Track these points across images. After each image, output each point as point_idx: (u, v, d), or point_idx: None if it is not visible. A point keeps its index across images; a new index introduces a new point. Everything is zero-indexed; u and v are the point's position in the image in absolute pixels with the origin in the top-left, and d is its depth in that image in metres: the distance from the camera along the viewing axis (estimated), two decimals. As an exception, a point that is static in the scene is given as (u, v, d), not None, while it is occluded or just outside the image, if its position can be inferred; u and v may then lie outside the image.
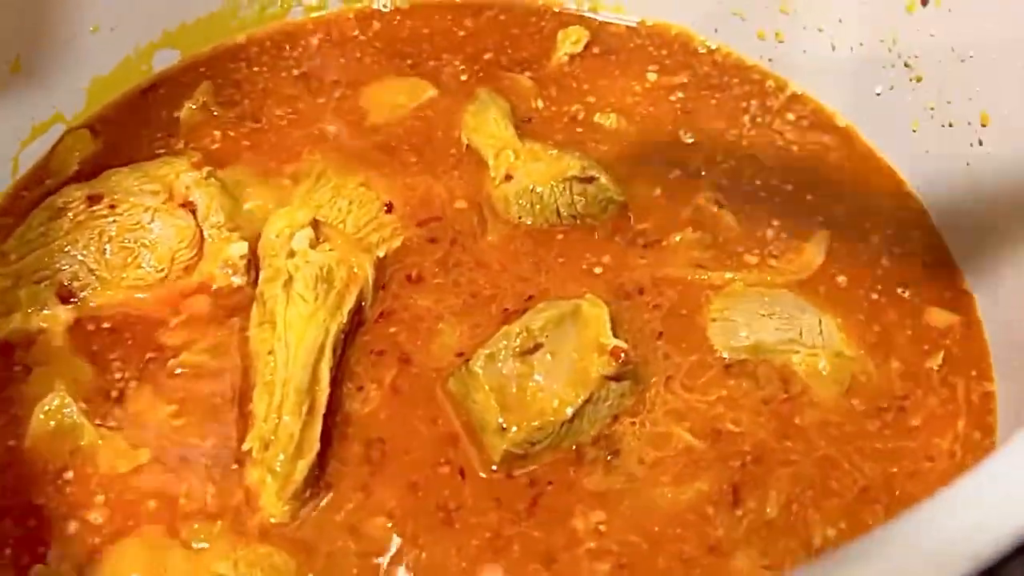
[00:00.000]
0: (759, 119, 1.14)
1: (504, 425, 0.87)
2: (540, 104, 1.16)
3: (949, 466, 0.89)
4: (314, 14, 1.26)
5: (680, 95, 1.17)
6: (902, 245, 1.03)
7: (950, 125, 1.01)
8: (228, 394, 0.91)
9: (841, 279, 1.00)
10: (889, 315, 0.98)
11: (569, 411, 0.87)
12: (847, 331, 0.96)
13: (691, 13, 1.21)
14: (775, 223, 1.04)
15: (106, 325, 0.95)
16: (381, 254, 1.00)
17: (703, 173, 1.08)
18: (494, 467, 0.87)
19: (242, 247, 0.99)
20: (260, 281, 0.95)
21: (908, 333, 0.97)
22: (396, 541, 0.84)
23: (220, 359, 0.93)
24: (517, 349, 0.90)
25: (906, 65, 1.04)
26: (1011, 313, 0.94)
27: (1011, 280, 0.95)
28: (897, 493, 0.87)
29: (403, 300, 0.98)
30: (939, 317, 0.98)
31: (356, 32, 1.25)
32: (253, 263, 0.98)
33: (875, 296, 0.99)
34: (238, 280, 0.98)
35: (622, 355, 0.89)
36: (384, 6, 1.27)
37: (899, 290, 0.99)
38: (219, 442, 0.88)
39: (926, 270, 1.01)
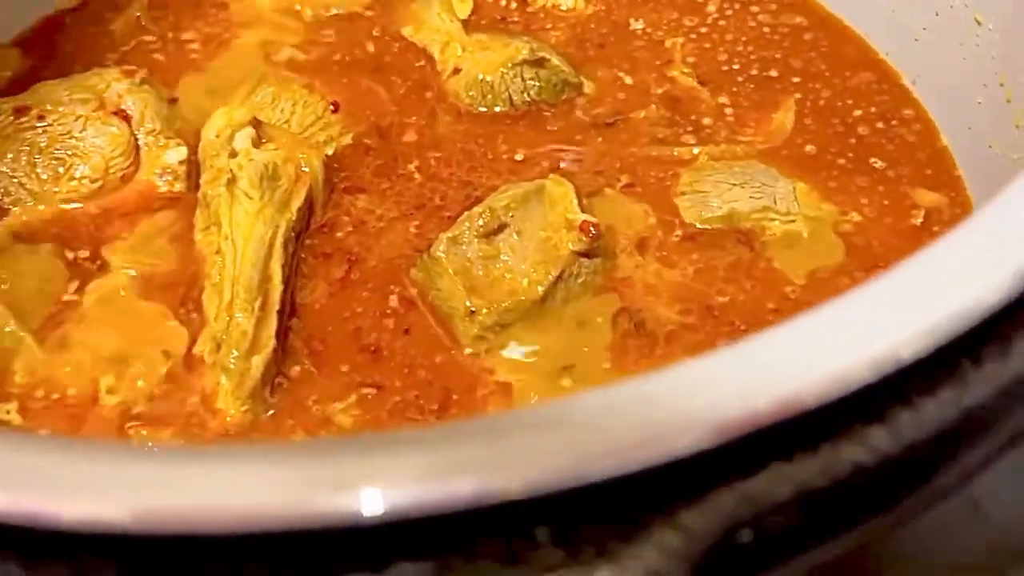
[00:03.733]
0: (725, 5, 1.08)
1: (473, 309, 0.82)
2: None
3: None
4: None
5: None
6: (880, 117, 0.98)
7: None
8: (175, 301, 0.85)
9: (810, 148, 0.95)
10: (863, 186, 0.92)
11: (540, 289, 0.82)
12: (822, 197, 0.91)
13: None
14: (742, 98, 0.99)
15: (40, 238, 0.89)
16: (330, 152, 0.95)
17: (668, 47, 1.03)
18: (467, 351, 0.83)
19: (180, 152, 0.93)
20: (202, 183, 0.89)
21: (885, 203, 0.92)
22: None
23: (164, 266, 0.87)
24: (481, 230, 0.85)
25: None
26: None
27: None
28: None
29: (346, 207, 0.92)
30: (924, 197, 0.92)
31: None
32: (193, 170, 0.92)
33: (844, 163, 0.94)
34: (179, 187, 0.92)
35: (591, 229, 0.84)
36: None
37: (872, 160, 0.94)
38: (168, 349, 0.83)
39: (907, 146, 0.96)
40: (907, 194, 0.91)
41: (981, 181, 0.90)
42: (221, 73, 1.02)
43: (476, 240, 0.84)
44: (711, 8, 1.07)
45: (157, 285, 0.86)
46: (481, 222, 0.85)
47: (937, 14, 0.95)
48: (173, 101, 0.98)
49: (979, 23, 0.91)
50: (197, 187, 0.91)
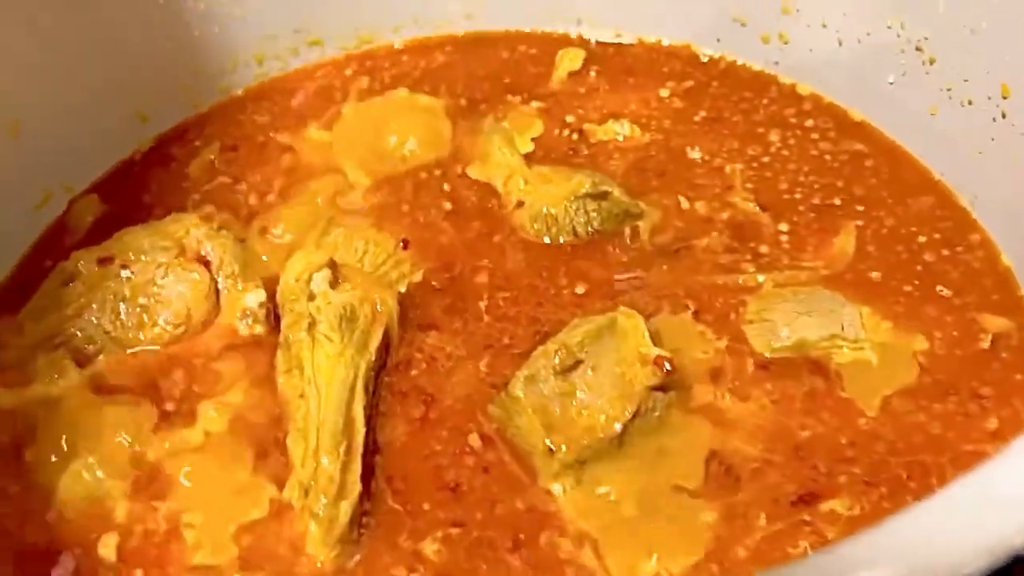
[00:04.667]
0: (787, 133, 1.10)
1: (552, 447, 0.84)
2: (542, 127, 1.13)
3: None
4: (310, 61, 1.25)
5: (687, 105, 1.14)
6: (944, 243, 0.99)
7: (970, 103, 0.99)
8: (262, 446, 0.87)
9: (875, 274, 0.97)
10: (931, 314, 0.93)
11: (618, 426, 0.84)
12: (889, 321, 0.93)
13: (690, 27, 1.19)
14: (802, 225, 1.01)
15: (126, 385, 0.92)
16: (403, 289, 0.98)
17: (728, 173, 1.06)
18: (547, 487, 0.84)
19: (259, 295, 0.96)
20: (283, 327, 0.93)
21: (954, 333, 0.92)
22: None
23: (248, 410, 0.90)
24: (557, 367, 0.86)
25: (917, 49, 1.03)
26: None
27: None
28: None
29: (418, 344, 0.94)
30: (991, 322, 0.93)
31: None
32: (273, 311, 0.96)
33: (911, 290, 0.95)
34: (259, 329, 0.95)
35: (666, 364, 0.86)
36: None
37: (938, 288, 0.95)
38: (256, 495, 0.85)
39: (972, 271, 0.97)
40: (974, 319, 0.92)
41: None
42: (292, 216, 1.05)
43: (552, 377, 0.86)
44: (773, 137, 1.10)
45: (242, 430, 0.88)
46: (557, 360, 0.86)
47: (993, 139, 0.97)
48: (245, 241, 1.02)
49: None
50: (276, 329, 0.94)
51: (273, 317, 0.95)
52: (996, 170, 0.98)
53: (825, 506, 0.81)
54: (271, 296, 0.96)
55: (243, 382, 0.92)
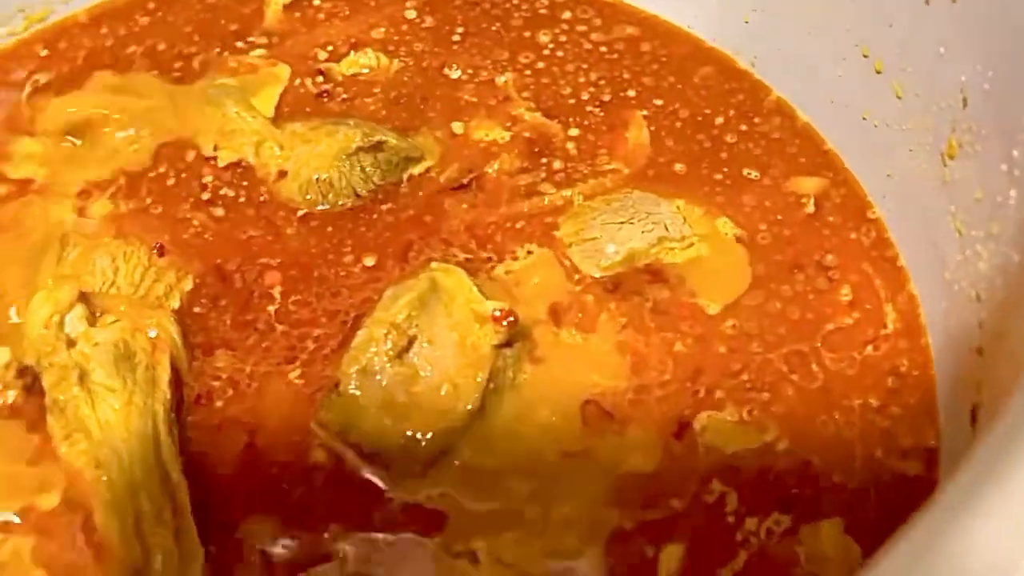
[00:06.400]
0: (556, 31, 1.00)
1: (411, 439, 0.73)
2: (277, 76, 0.97)
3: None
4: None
5: (438, 23, 1.01)
6: (741, 118, 0.94)
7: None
8: (67, 537, 0.71)
9: (679, 167, 0.91)
10: (746, 200, 0.88)
11: (477, 397, 0.75)
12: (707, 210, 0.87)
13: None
14: (593, 126, 0.93)
15: None
16: (176, 305, 0.83)
17: (500, 86, 0.96)
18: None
19: (2, 354, 0.79)
20: (47, 389, 0.75)
21: (775, 213, 0.88)
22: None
23: (34, 501, 0.73)
24: (390, 352, 0.75)
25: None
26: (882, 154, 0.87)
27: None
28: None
29: (211, 371, 0.80)
30: (806, 184, 0.89)
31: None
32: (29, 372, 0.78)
33: (721, 178, 0.90)
34: (12, 396, 0.78)
35: (508, 317, 0.76)
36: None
37: (746, 172, 0.90)
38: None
39: (774, 142, 0.93)
40: (790, 190, 0.89)
41: (857, 153, 0.88)
42: (15, 248, 0.86)
43: (388, 365, 0.75)
44: (544, 38, 1.00)
45: (40, 524, 0.72)
46: (389, 344, 0.75)
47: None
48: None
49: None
50: (37, 392, 0.77)
51: (29, 377, 0.78)
52: (766, 27, 0.94)
53: (715, 417, 0.76)
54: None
55: (18, 466, 0.74)
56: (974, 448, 0.46)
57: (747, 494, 0.73)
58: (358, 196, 0.89)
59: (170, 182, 0.89)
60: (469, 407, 0.75)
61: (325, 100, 0.95)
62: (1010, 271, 0.63)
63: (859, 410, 0.77)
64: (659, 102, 0.95)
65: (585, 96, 0.95)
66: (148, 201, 0.88)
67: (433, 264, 0.81)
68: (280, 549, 0.71)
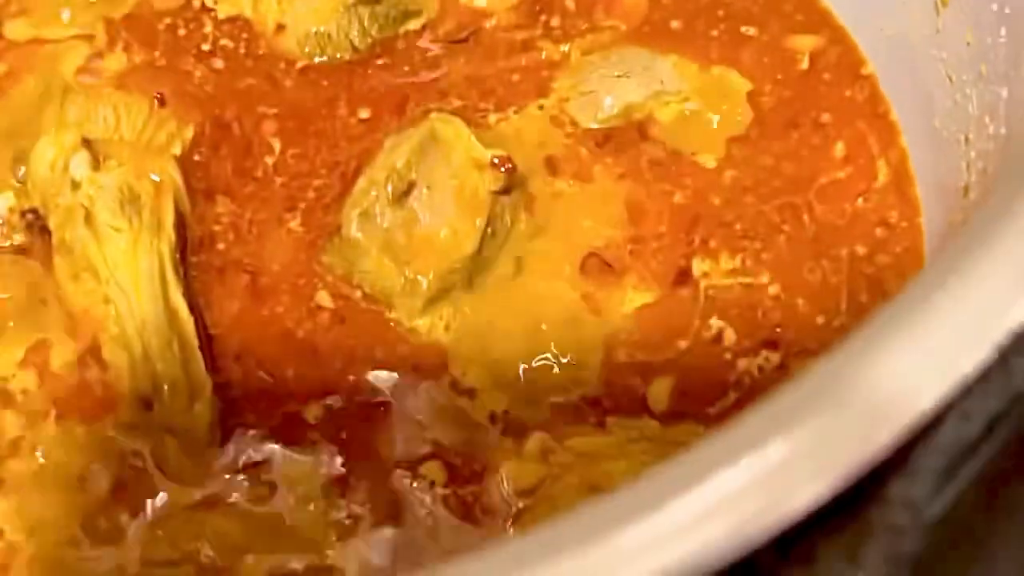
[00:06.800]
0: None
1: (412, 279, 0.75)
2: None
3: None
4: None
5: None
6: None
7: None
8: (75, 372, 0.74)
9: (676, 24, 0.90)
10: (743, 57, 0.88)
11: (475, 240, 0.76)
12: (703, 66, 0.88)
13: None
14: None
15: None
16: (177, 151, 0.83)
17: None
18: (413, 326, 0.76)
19: (7, 198, 0.80)
20: (54, 228, 0.77)
21: (772, 70, 0.87)
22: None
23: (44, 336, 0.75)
24: (391, 196, 0.77)
25: None
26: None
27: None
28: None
29: (212, 215, 0.81)
30: (802, 42, 0.89)
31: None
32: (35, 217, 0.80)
33: (717, 35, 0.89)
34: (18, 238, 0.80)
35: (506, 163, 0.78)
36: None
37: (743, 29, 0.89)
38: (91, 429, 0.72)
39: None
40: (786, 47, 0.88)
41: (851, 9, 0.89)
42: (16, 104, 0.87)
43: (388, 208, 0.77)
44: None
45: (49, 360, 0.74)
46: (390, 188, 0.77)
47: None
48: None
49: None
50: (44, 234, 0.78)
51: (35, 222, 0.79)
52: None
53: (711, 264, 0.78)
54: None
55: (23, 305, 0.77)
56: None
57: (742, 329, 0.76)
58: (356, 50, 0.89)
59: (166, 37, 0.89)
60: (468, 250, 0.76)
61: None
62: (998, 109, 0.65)
63: (847, 258, 0.79)
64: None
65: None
66: (152, 58, 0.89)
67: (432, 114, 0.82)
68: (287, 378, 0.74)
